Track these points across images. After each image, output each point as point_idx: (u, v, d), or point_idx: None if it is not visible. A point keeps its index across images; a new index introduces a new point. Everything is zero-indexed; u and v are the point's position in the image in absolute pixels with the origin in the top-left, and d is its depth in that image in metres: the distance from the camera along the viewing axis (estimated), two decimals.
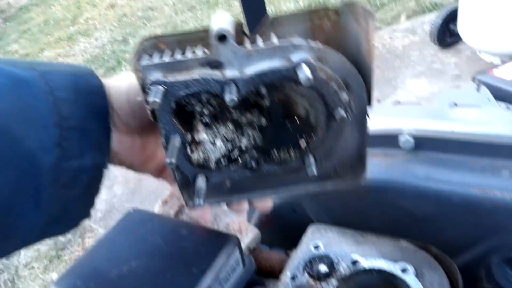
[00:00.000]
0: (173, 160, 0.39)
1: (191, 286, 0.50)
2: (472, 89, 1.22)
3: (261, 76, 0.37)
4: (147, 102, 0.37)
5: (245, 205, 0.49)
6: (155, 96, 0.36)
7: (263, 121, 0.41)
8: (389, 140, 0.69)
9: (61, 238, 2.43)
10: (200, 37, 0.41)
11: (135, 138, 0.48)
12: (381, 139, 0.69)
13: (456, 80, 2.79)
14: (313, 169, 0.42)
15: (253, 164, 0.44)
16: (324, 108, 0.40)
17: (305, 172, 0.43)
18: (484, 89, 1.17)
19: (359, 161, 0.45)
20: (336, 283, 0.58)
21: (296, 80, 0.36)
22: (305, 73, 0.35)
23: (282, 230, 0.82)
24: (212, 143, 0.42)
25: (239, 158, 0.43)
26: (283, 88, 0.39)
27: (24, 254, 2.54)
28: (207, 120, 0.40)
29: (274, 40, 0.38)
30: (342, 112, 0.39)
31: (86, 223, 2.48)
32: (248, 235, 0.72)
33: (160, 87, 0.37)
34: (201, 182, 0.43)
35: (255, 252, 0.72)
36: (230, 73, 0.37)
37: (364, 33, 0.38)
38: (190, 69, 0.37)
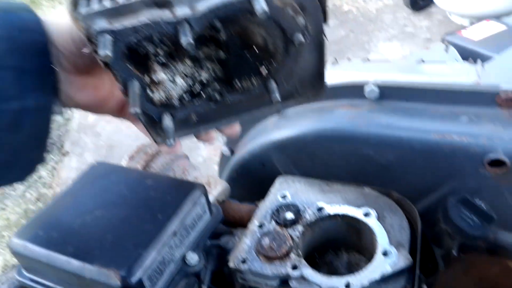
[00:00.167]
0: (137, 110, 0.38)
1: (156, 231, 0.50)
2: (440, 50, 1.23)
3: (214, 11, 0.36)
4: (96, 53, 0.35)
5: (214, 134, 0.49)
6: (105, 48, 0.34)
7: (221, 54, 0.40)
8: (355, 91, 0.69)
9: (31, 207, 2.39)
10: None
11: (86, 78, 0.45)
12: (347, 90, 0.70)
13: (427, 43, 2.82)
14: (277, 95, 0.43)
15: (217, 96, 0.43)
16: (282, 35, 0.39)
17: (268, 98, 0.43)
18: (452, 49, 1.19)
19: (318, 78, 0.46)
20: (302, 229, 0.59)
21: (251, 12, 0.35)
22: (261, 4, 0.34)
23: (252, 185, 0.83)
24: (172, 81, 0.40)
25: (201, 92, 0.42)
26: (238, 20, 0.38)
27: None
28: (163, 60, 0.39)
29: None
30: (300, 37, 0.39)
31: (53, 190, 2.44)
32: (217, 187, 0.73)
33: (108, 36, 0.34)
34: (167, 121, 0.42)
35: (225, 205, 0.73)
36: (180, 11, 0.35)
37: None
38: (136, 12, 0.35)
